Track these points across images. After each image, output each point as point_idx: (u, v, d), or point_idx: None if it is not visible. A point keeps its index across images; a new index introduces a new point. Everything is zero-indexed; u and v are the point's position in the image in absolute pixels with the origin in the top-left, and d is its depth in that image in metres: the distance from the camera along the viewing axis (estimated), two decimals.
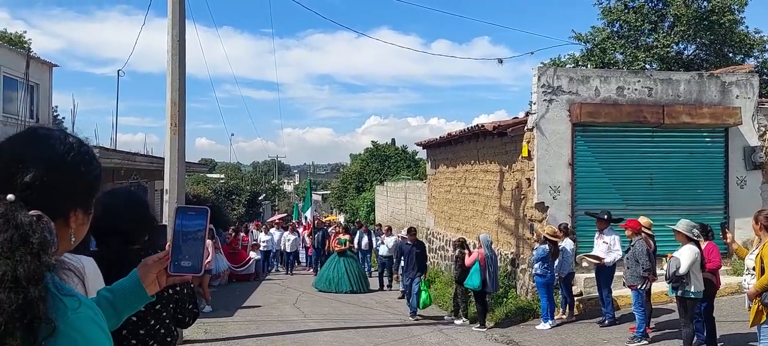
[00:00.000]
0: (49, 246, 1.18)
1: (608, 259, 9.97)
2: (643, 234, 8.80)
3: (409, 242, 12.67)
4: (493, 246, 11.54)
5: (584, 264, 10.71)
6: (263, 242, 19.99)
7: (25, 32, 31.09)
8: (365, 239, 18.82)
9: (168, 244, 1.63)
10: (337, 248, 16.21)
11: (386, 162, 46.38)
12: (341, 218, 45.76)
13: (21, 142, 1.33)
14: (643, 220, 9.09)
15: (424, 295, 12.12)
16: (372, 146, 50.48)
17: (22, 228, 1.15)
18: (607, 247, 10.08)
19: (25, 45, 29.50)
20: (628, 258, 8.81)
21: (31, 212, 1.21)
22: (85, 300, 1.27)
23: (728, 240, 7.03)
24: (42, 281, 1.13)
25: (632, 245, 8.74)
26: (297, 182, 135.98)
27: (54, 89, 17.56)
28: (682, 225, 7.71)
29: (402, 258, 12.87)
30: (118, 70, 15.74)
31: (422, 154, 43.55)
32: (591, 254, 10.23)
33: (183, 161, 9.75)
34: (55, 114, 25.70)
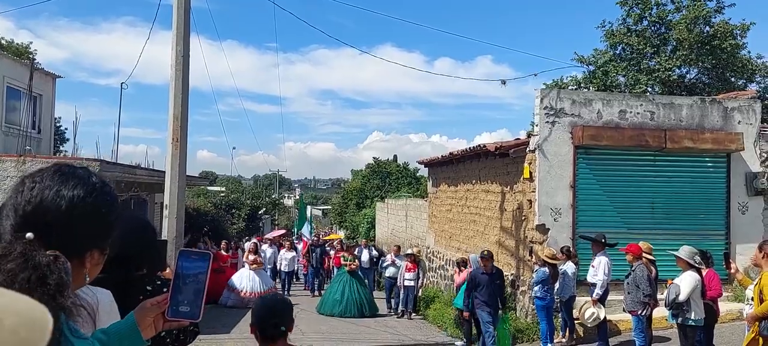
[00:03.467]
0: (65, 288, 1.18)
1: (595, 293, 9.89)
2: (644, 259, 8.75)
3: (485, 272, 10.25)
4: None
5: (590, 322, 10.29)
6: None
7: (31, 43, 31.24)
8: (366, 255, 17.55)
9: (161, 297, 1.60)
10: (348, 266, 14.89)
11: (387, 179, 46.33)
12: (341, 233, 45.72)
13: (44, 180, 1.32)
14: (643, 245, 9.05)
15: (504, 339, 10.18)
16: (373, 162, 50.49)
17: (40, 269, 1.15)
18: (593, 271, 10.04)
19: (31, 56, 29.68)
20: (628, 283, 8.76)
21: (49, 252, 1.20)
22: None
23: (732, 271, 6.99)
24: (56, 323, 1.12)
25: (633, 270, 8.70)
26: (297, 197, 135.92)
27: (57, 100, 17.62)
28: (684, 252, 7.68)
29: (475, 291, 10.14)
30: (122, 83, 15.76)
31: (423, 171, 43.68)
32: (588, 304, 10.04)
33: (184, 176, 9.74)
34: (57, 125, 25.78)
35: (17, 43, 30.24)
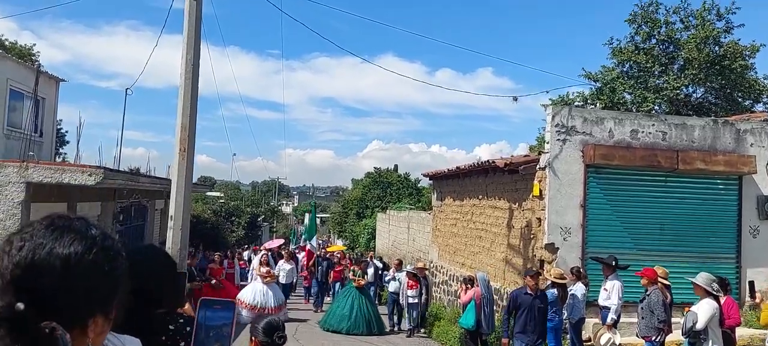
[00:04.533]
0: None
1: (610, 317, 9.69)
2: (659, 284, 8.56)
3: (529, 292, 8.96)
4: (493, 285, 11.33)
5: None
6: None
7: (34, 45, 31.12)
8: (371, 270, 17.13)
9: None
10: (357, 282, 14.11)
11: (388, 189, 46.12)
12: (340, 243, 45.46)
13: (34, 236, 1.13)
14: (659, 270, 8.87)
15: None
16: (374, 172, 50.30)
17: None
18: (606, 294, 9.85)
19: (34, 57, 29.54)
20: (642, 308, 8.56)
21: (44, 324, 1.02)
22: None
23: (758, 300, 6.81)
24: None
25: (648, 295, 8.50)
26: (296, 204, 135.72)
27: (59, 102, 17.42)
28: (702, 278, 7.49)
29: (517, 314, 8.93)
30: (127, 90, 15.60)
31: (425, 182, 43.47)
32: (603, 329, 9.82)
33: (190, 187, 9.55)
34: (58, 128, 25.59)
35: (20, 45, 30.12)
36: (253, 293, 13.71)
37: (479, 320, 10.54)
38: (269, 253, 16.97)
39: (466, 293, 10.99)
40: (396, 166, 54.97)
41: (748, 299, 11.64)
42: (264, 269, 14.16)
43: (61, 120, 27.30)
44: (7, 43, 28.72)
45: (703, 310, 7.19)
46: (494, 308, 11.28)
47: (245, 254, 24.13)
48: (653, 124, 11.98)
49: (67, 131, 30.55)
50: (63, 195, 11.89)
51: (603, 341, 9.54)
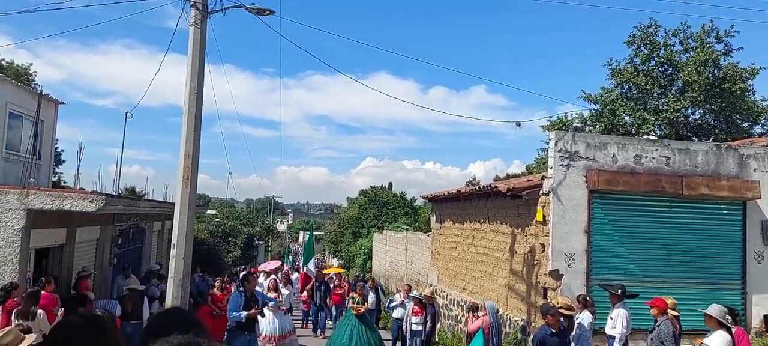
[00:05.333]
0: None
1: (612, 336, 9.60)
2: (669, 314, 8.47)
3: (554, 332, 8.50)
4: (499, 314, 11.14)
5: None
6: None
7: (31, 64, 30.97)
8: (372, 297, 16.43)
9: None
10: (356, 309, 13.28)
11: (384, 208, 46.02)
12: (335, 262, 45.19)
13: None
14: (669, 300, 8.78)
15: None
16: (369, 190, 50.19)
17: None
18: (611, 323, 9.75)
19: (31, 77, 29.42)
20: (652, 339, 8.47)
21: None
22: None
23: None
24: None
25: (658, 326, 8.40)
26: (290, 221, 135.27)
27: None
28: (714, 310, 7.40)
29: None
30: (127, 113, 15.50)
31: (421, 201, 43.34)
32: None
33: (193, 215, 9.44)
34: (55, 147, 25.42)
35: (17, 65, 30.01)
36: (260, 320, 13.11)
37: None
38: (275, 278, 16.41)
39: (473, 322, 10.81)
40: (390, 184, 54.99)
41: (754, 326, 11.58)
42: (272, 295, 13.68)
43: (57, 140, 27.16)
44: (4, 63, 28.61)
45: (717, 342, 7.10)
46: (501, 336, 11.13)
47: (267, 281, 23.12)
48: (657, 149, 11.95)
49: (63, 150, 30.36)
50: (63, 221, 11.75)
51: None
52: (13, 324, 8.22)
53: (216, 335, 11.00)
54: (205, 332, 2.29)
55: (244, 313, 8.91)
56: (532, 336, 8.45)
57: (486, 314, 10.55)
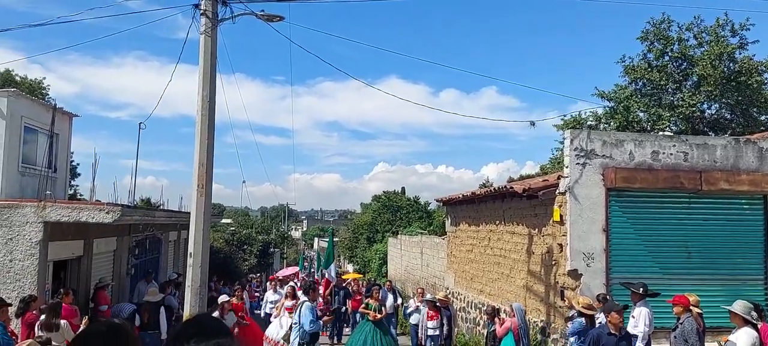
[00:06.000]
0: None
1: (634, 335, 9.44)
2: (693, 312, 8.33)
3: (613, 331, 7.83)
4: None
5: None
6: (271, 302, 15.90)
7: (44, 78, 31.32)
8: (391, 299, 15.84)
9: None
10: (373, 316, 12.71)
11: (398, 213, 45.94)
12: (350, 268, 45.19)
13: None
14: (692, 298, 8.64)
15: None
16: (383, 195, 50.15)
17: None
18: (634, 322, 9.61)
19: (44, 91, 29.75)
20: (675, 337, 8.33)
21: None
22: None
23: None
24: None
25: (681, 323, 8.27)
26: (305, 228, 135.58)
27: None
28: (740, 306, 7.27)
29: None
30: (140, 123, 15.60)
31: (435, 205, 43.26)
32: None
33: (208, 223, 9.43)
34: (70, 159, 25.66)
35: (31, 79, 30.37)
36: (279, 329, 12.42)
37: None
38: (293, 284, 15.98)
39: (501, 326, 10.66)
40: (403, 189, 54.90)
41: None
42: (289, 303, 13.07)
43: (72, 152, 27.42)
44: (18, 78, 28.95)
45: (743, 340, 6.96)
46: (530, 337, 11.01)
47: (285, 289, 22.36)
48: (674, 145, 11.80)
49: (78, 163, 30.63)
50: (80, 232, 11.81)
51: None
52: (34, 336, 8.26)
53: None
54: (231, 340, 2.25)
55: (321, 321, 9.45)
56: (588, 334, 7.81)
57: (514, 316, 10.43)
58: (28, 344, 5.61)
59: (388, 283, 17.81)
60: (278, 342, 11.72)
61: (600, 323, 9.91)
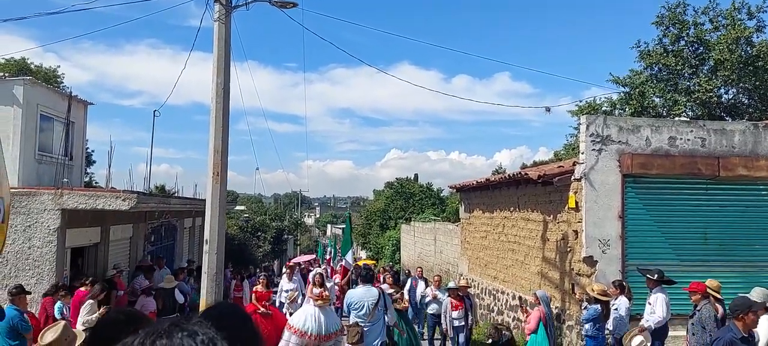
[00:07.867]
0: None
1: (647, 324, 9.40)
2: (710, 298, 8.26)
3: (744, 333, 6.05)
4: (527, 298, 10.92)
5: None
6: (286, 291, 15.04)
7: (58, 66, 31.52)
8: (422, 287, 14.98)
9: None
10: (402, 305, 11.83)
11: (411, 199, 45.96)
12: (363, 254, 45.29)
13: None
14: (711, 283, 8.56)
15: None
16: (395, 182, 50.17)
17: None
18: (650, 308, 9.55)
19: (59, 80, 29.96)
20: (693, 324, 8.27)
21: None
22: None
23: None
24: None
25: (698, 310, 8.20)
26: (318, 215, 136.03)
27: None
28: (758, 294, 7.20)
29: None
30: (154, 111, 15.67)
31: (448, 191, 43.18)
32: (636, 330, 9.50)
33: (224, 210, 9.47)
34: (85, 147, 25.88)
35: (46, 68, 30.59)
36: (304, 318, 10.76)
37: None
38: (322, 272, 15.32)
39: (529, 317, 10.54)
40: (416, 176, 54.84)
41: None
42: (316, 290, 12.41)
43: (87, 140, 27.66)
44: (33, 66, 29.17)
45: (765, 328, 6.90)
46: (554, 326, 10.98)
47: (312, 275, 21.07)
48: (691, 131, 11.66)
49: (93, 151, 30.89)
50: (97, 220, 11.91)
51: (635, 342, 9.23)
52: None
53: (269, 336, 10.38)
54: (248, 330, 2.24)
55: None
56: (716, 338, 6.83)
57: (539, 304, 10.38)
58: (65, 325, 5.67)
59: (419, 269, 17.32)
60: (298, 329, 10.51)
61: (615, 309, 9.89)
